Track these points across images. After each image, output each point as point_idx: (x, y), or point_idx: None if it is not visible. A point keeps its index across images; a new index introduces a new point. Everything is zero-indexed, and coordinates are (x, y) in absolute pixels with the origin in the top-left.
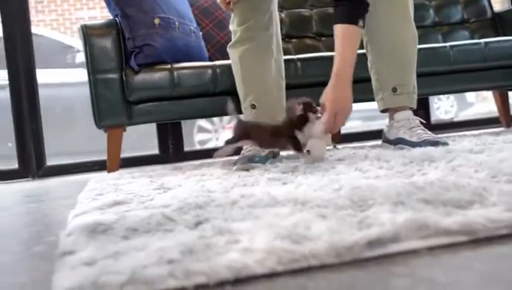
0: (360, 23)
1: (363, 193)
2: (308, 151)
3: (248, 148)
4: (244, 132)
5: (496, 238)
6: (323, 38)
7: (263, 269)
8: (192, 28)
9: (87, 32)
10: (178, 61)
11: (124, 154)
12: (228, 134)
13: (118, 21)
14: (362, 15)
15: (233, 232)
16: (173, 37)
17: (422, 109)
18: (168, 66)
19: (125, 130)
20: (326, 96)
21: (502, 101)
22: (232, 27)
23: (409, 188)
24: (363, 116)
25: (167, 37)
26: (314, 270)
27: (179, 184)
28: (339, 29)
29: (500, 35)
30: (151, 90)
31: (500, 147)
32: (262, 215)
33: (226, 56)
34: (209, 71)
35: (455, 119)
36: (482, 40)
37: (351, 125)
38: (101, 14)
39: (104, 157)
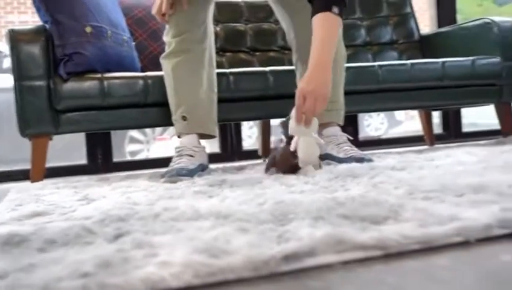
0: (335, 9)
1: (286, 207)
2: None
3: (177, 160)
4: (273, 160)
5: (408, 253)
6: (257, 53)
7: (179, 282)
8: (125, 37)
9: (15, 38)
10: (109, 71)
11: (50, 163)
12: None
13: (47, 27)
14: (337, 2)
15: (153, 245)
16: (105, 46)
17: (351, 126)
18: (99, 75)
19: (51, 139)
20: (307, 84)
21: (427, 120)
22: (166, 38)
23: (330, 203)
24: None
25: (98, 46)
26: (231, 284)
27: (104, 195)
28: (315, 19)
29: (426, 57)
30: (80, 99)
31: (420, 165)
32: (184, 229)
33: (158, 67)
34: (141, 82)
35: (383, 136)
36: (409, 61)
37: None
38: (33, 19)
39: (29, 166)
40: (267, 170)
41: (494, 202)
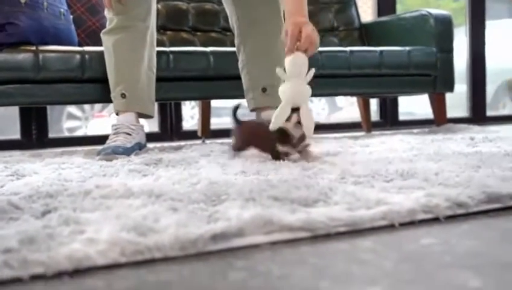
0: None
1: (219, 188)
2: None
3: (114, 138)
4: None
5: (335, 235)
6: (198, 33)
7: (105, 260)
8: (62, 10)
9: None
10: (45, 44)
11: None
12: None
13: None
14: None
15: (80, 222)
16: (40, 18)
17: None
18: (33, 48)
19: None
20: (301, 18)
21: (364, 107)
22: (108, 14)
23: (263, 185)
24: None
25: (34, 17)
26: (157, 262)
27: (35, 171)
28: None
29: (365, 45)
30: (13, 71)
31: (355, 151)
32: (113, 207)
33: (97, 42)
34: (78, 56)
35: (325, 122)
36: (348, 48)
37: (222, 122)
38: None
39: None
40: (234, 151)
41: (421, 188)
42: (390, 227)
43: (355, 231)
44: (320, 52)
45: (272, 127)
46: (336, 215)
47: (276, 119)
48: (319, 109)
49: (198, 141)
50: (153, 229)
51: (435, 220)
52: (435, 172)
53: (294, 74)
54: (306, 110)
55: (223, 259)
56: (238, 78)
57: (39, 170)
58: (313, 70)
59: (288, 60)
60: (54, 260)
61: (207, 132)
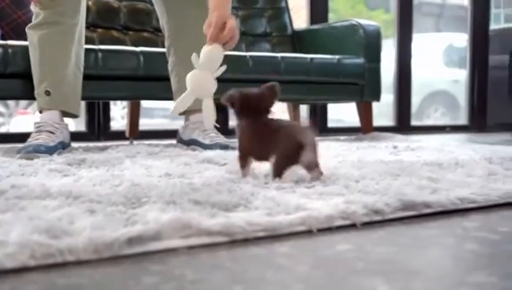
0: None
1: (140, 190)
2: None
3: (36, 136)
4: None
5: (253, 240)
6: (130, 32)
7: (14, 263)
8: None
9: None
10: None
11: None
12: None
13: None
14: None
15: None
16: None
17: (221, 115)
18: None
19: None
20: (210, 17)
21: (295, 113)
22: (35, 8)
23: (185, 188)
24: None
25: None
26: (69, 266)
27: None
28: None
29: (297, 52)
30: None
31: None
32: (27, 207)
33: (21, 37)
34: (0, 50)
35: None
36: (279, 54)
37: (154, 122)
38: None
39: None
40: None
41: (341, 194)
42: (309, 233)
43: (274, 236)
44: (251, 56)
45: (173, 112)
46: (255, 220)
47: (177, 105)
48: None
49: (126, 142)
50: (67, 232)
51: (352, 226)
52: (356, 179)
53: (206, 65)
54: (209, 104)
55: (137, 263)
56: (168, 79)
57: None
58: (224, 68)
59: (205, 50)
60: None
61: (135, 133)
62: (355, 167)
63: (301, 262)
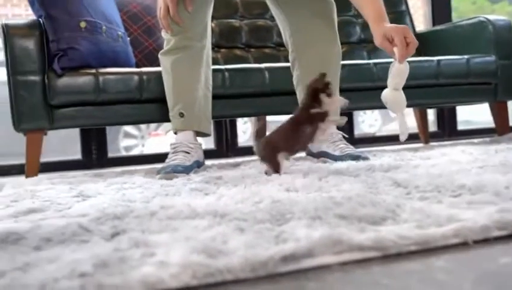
0: None
1: (282, 206)
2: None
3: (173, 157)
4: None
5: (405, 255)
6: (252, 50)
7: (178, 283)
8: (119, 33)
9: (9, 32)
10: (104, 66)
11: (45, 158)
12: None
13: (41, 22)
14: None
15: (149, 244)
16: (99, 42)
17: (346, 124)
18: (93, 71)
19: (45, 134)
20: (384, 31)
21: (422, 118)
22: (165, 35)
23: (327, 203)
24: None
25: (93, 41)
26: (228, 284)
27: (99, 192)
28: None
29: (421, 55)
30: (75, 94)
31: (416, 164)
32: (180, 228)
33: (153, 63)
34: (136, 77)
35: (378, 134)
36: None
37: None
38: (26, 12)
39: (24, 160)
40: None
41: (492, 202)
42: (463, 245)
43: (427, 250)
44: (375, 64)
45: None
46: (406, 233)
47: (402, 131)
48: (372, 120)
49: (255, 157)
50: (222, 251)
51: (511, 237)
52: (505, 185)
53: (399, 85)
54: (402, 118)
55: (294, 281)
56: (294, 93)
57: (103, 191)
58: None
59: (398, 69)
60: (128, 284)
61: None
62: (499, 171)
63: (463, 278)
